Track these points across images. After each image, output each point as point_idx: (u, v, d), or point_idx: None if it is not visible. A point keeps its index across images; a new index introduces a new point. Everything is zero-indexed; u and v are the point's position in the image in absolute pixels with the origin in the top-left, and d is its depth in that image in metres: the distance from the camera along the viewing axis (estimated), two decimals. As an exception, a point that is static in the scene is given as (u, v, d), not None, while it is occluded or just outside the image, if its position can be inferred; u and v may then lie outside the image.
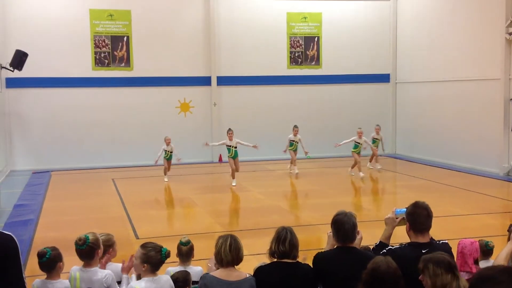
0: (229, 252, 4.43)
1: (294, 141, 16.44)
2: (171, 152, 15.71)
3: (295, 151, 16.44)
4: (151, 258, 4.47)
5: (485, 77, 16.61)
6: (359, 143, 15.99)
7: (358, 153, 15.85)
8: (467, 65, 17.44)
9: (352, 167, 16.01)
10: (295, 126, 16.70)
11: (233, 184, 14.64)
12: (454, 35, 17.95)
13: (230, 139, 14.88)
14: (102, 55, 19.02)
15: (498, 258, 4.49)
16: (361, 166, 15.69)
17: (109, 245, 5.04)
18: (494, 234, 8.03)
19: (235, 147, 14.87)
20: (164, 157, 15.70)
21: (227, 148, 14.92)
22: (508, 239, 4.81)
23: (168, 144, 15.72)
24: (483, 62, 16.75)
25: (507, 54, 15.68)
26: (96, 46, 18.94)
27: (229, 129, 15.07)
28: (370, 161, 17.24)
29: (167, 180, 15.51)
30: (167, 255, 4.53)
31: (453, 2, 18.04)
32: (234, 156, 14.85)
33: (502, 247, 4.70)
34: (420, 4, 19.76)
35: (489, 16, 16.34)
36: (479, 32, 16.83)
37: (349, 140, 16.10)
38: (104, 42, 18.98)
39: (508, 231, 5.02)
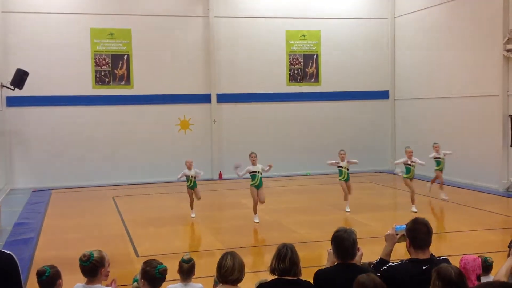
0: (235, 270, 4.44)
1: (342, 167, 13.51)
2: (195, 178, 12.97)
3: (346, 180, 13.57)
4: (147, 274, 4.58)
5: (484, 93, 16.70)
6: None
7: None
8: (465, 81, 17.54)
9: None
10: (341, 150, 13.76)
11: (256, 220, 12.30)
12: (453, 52, 18.08)
13: (254, 164, 12.31)
14: (103, 73, 19.13)
15: (498, 274, 4.50)
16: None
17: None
18: (494, 250, 8.03)
19: (261, 173, 12.31)
20: (188, 186, 13.00)
21: (251, 176, 12.27)
22: (508, 255, 4.83)
23: (189, 168, 12.95)
24: (482, 79, 16.85)
25: (505, 70, 15.79)
26: (97, 64, 19.07)
27: (252, 152, 12.55)
28: (440, 188, 14.71)
29: (194, 216, 12.98)
30: (161, 272, 4.59)
31: (451, 19, 18.20)
32: (259, 185, 12.24)
33: (502, 263, 4.71)
34: (418, 22, 19.92)
35: (487, 33, 16.48)
36: (477, 49, 16.96)
37: (400, 160, 13.75)
38: (105, 60, 19.10)
39: (508, 247, 5.04)
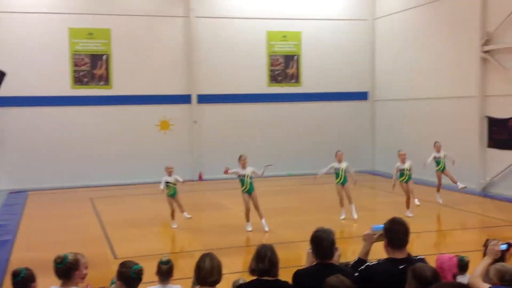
0: (214, 272, 4.42)
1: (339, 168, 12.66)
2: (175, 185, 12.13)
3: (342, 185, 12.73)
4: (122, 275, 4.55)
5: (462, 94, 16.90)
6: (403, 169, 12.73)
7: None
8: (444, 83, 17.74)
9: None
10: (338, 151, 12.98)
11: (248, 229, 11.48)
12: (431, 53, 18.27)
13: (244, 167, 11.50)
14: (81, 73, 18.95)
15: (473, 274, 4.55)
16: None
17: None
18: (471, 250, 8.12)
19: (250, 177, 11.57)
20: (167, 194, 12.09)
21: (240, 180, 11.54)
22: (484, 255, 4.89)
23: (170, 174, 12.16)
24: (460, 80, 17.05)
25: (483, 72, 16.00)
26: (75, 64, 18.87)
27: (242, 155, 11.71)
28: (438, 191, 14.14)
29: (175, 226, 12.07)
30: (137, 272, 4.56)
31: (429, 21, 18.39)
32: (250, 190, 11.43)
33: (478, 262, 4.76)
34: (397, 23, 20.09)
35: (465, 35, 16.68)
36: (456, 50, 17.16)
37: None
38: (84, 60, 18.92)
39: (483, 246, 5.10)
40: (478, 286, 4.39)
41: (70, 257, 4.62)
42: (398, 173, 12.71)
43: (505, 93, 15.34)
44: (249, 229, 11.51)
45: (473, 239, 10.42)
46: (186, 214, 12.13)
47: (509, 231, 11.32)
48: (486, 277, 4.65)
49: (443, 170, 13.81)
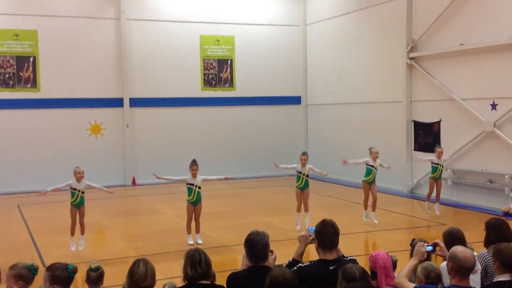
0: (148, 277, 4.39)
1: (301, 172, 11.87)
2: (83, 192, 10.14)
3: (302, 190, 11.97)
4: (59, 278, 4.40)
5: (389, 99, 17.51)
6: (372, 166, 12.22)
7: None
8: (372, 88, 18.31)
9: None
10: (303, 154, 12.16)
11: (190, 242, 10.63)
12: (360, 59, 18.83)
13: (194, 177, 10.71)
14: (7, 75, 18.21)
15: (400, 274, 4.72)
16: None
17: None
18: (399, 249, 8.42)
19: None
20: (71, 203, 10.09)
21: (187, 189, 10.82)
22: (411, 254, 5.08)
23: (79, 179, 10.04)
24: (387, 86, 17.67)
25: (408, 77, 16.64)
26: (0, 66, 18.12)
27: (194, 164, 10.87)
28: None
29: (74, 249, 10.17)
30: (74, 270, 4.48)
31: (358, 28, 18.94)
32: (196, 201, 10.75)
33: (406, 261, 4.95)
34: (328, 30, 20.57)
35: (392, 42, 17.30)
36: (383, 56, 17.77)
37: (360, 160, 12.51)
38: (9, 62, 18.19)
39: (410, 245, 5.29)
40: (404, 286, 4.56)
41: None
42: (365, 170, 12.18)
43: (430, 98, 16.01)
44: (190, 242, 10.63)
45: (402, 239, 10.80)
46: (81, 242, 10.20)
47: (434, 231, 11.83)
48: (413, 276, 4.84)
49: (436, 180, 12.75)
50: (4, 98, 18.13)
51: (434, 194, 13.00)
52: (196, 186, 10.64)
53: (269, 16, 21.36)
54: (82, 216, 10.17)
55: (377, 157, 12.20)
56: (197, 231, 10.88)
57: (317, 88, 21.32)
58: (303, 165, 11.75)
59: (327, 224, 4.62)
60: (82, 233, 10.23)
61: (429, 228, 12.35)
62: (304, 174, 11.74)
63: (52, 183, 17.80)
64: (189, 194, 10.73)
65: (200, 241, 10.73)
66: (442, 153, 12.66)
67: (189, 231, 10.81)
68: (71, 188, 10.07)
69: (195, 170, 10.69)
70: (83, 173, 10.10)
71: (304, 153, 11.99)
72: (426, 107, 16.23)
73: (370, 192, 12.29)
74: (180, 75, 20.18)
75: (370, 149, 12.36)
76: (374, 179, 12.25)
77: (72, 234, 10.17)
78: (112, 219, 13.20)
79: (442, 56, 15.52)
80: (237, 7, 20.95)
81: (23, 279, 4.46)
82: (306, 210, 11.91)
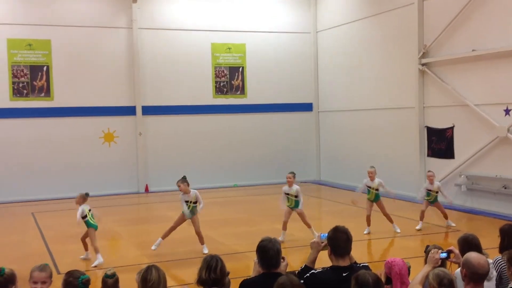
0: (161, 283, 4.44)
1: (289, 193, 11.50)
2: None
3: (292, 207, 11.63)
4: (69, 285, 4.50)
5: (401, 105, 17.46)
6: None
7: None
8: (384, 94, 18.28)
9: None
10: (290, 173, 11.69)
11: (153, 248, 10.74)
12: (372, 65, 18.81)
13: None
14: (21, 85, 18.42)
15: (414, 280, 4.70)
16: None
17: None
18: (411, 256, 8.37)
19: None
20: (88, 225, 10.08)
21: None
22: (425, 261, 5.05)
23: (79, 202, 10.25)
24: (399, 92, 17.62)
25: (420, 83, 16.58)
26: (14, 76, 18.34)
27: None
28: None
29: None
30: (85, 282, 4.53)
31: (370, 35, 18.93)
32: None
33: (420, 268, 4.92)
34: (339, 37, 20.58)
35: (404, 48, 17.26)
36: (395, 63, 17.74)
37: (361, 185, 12.36)
38: (23, 72, 18.41)
39: (425, 252, 5.26)
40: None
41: (7, 270, 4.56)
42: (366, 190, 12.07)
43: (442, 104, 15.95)
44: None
45: (415, 246, 10.75)
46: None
47: (449, 238, 11.75)
48: (426, 282, 4.80)
49: (432, 202, 12.34)
50: (19, 107, 18.34)
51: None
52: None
53: (280, 24, 21.42)
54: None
55: (373, 176, 11.91)
56: (201, 242, 10.72)
57: (329, 94, 21.31)
58: (290, 185, 11.32)
59: (340, 231, 4.62)
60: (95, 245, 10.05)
61: (444, 234, 12.25)
62: (291, 195, 11.35)
63: (66, 191, 18.19)
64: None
65: (206, 251, 10.48)
66: (432, 176, 12.21)
67: (164, 237, 10.73)
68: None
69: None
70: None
71: (291, 173, 11.51)
72: (438, 113, 16.16)
73: (374, 208, 12.04)
74: (192, 83, 20.28)
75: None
76: (376, 198, 11.97)
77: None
78: (125, 226, 13.26)
79: (454, 62, 15.46)
80: (248, 15, 21.05)
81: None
82: (309, 227, 11.49)
